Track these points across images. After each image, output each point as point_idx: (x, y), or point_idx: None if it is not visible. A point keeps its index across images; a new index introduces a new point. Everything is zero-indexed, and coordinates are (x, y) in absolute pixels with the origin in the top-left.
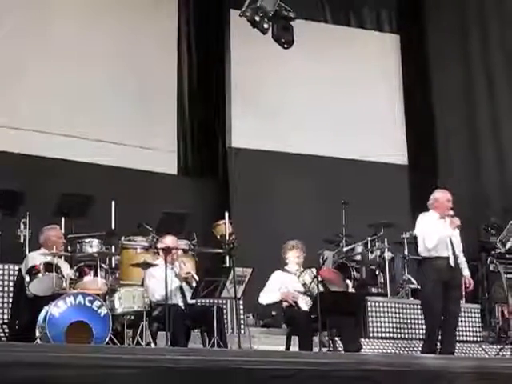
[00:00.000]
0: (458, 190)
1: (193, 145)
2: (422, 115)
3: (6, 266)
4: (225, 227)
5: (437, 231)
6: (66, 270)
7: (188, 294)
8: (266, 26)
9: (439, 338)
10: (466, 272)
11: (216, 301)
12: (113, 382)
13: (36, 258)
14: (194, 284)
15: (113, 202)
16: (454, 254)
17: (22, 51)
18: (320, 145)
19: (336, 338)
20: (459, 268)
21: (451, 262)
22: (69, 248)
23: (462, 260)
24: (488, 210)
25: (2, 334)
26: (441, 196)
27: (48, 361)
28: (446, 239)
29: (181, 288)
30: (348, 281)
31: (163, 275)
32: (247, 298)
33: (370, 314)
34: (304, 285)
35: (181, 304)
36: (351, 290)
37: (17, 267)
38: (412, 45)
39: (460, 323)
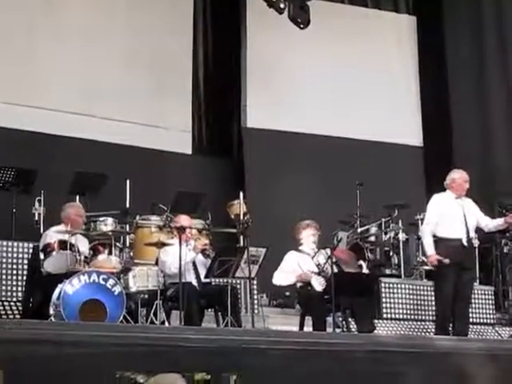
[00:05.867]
0: (473, 171)
1: (207, 124)
2: (438, 96)
3: (21, 244)
4: (239, 207)
5: (452, 213)
6: (83, 248)
7: (202, 271)
8: (282, 5)
9: (451, 319)
10: (497, 220)
11: (230, 280)
12: (126, 360)
13: (52, 235)
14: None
15: (127, 181)
16: (468, 234)
17: (37, 30)
18: (335, 125)
19: (350, 319)
20: (473, 249)
21: (465, 242)
22: (83, 226)
23: (493, 224)
24: (502, 192)
25: (17, 312)
26: (458, 176)
27: (62, 339)
28: (461, 220)
29: (194, 265)
30: (362, 262)
31: (178, 252)
32: (261, 278)
33: (383, 295)
34: (318, 265)
35: (194, 282)
36: (365, 270)
37: (31, 245)
38: (428, 26)
39: (473, 305)
